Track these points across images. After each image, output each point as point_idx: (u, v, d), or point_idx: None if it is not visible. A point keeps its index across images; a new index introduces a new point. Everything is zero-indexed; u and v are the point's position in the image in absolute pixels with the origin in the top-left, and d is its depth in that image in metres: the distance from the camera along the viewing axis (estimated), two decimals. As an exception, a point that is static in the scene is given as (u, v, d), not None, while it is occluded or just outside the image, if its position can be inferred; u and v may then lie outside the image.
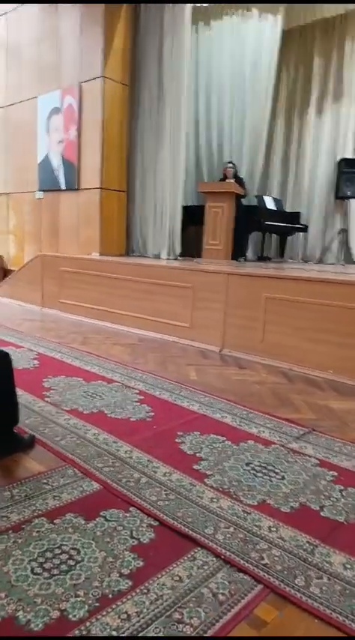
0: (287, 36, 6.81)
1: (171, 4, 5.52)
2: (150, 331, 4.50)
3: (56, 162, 6.24)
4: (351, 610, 1.20)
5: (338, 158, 6.64)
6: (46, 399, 2.64)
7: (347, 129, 6.62)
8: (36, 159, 6.52)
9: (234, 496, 1.72)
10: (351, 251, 6.91)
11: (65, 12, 5.89)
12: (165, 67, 5.64)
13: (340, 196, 6.60)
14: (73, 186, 6.02)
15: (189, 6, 5.50)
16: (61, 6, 5.92)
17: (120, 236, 6.14)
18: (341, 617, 1.17)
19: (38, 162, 6.50)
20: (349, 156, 6.63)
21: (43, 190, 6.52)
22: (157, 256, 5.99)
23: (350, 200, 6.76)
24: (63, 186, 6.18)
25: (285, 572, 1.33)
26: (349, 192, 6.47)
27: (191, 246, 6.16)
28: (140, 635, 1.09)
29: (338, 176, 6.55)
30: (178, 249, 5.91)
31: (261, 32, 6.17)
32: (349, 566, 1.37)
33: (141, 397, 2.75)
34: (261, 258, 6.64)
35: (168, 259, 5.77)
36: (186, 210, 6.09)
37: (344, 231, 6.71)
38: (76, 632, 1.09)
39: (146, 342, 4.23)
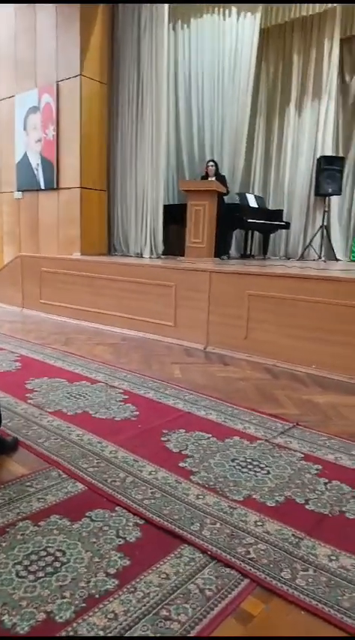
0: (266, 34, 6.87)
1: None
2: (134, 330, 4.49)
3: (35, 162, 6.17)
4: (336, 600, 1.21)
5: (318, 155, 6.71)
6: (29, 400, 2.61)
7: (326, 126, 6.70)
8: (14, 158, 6.44)
9: (220, 492, 1.73)
10: (333, 247, 7.00)
11: (41, 10, 5.83)
12: (144, 65, 5.63)
13: (320, 193, 6.67)
14: (53, 185, 5.96)
15: (166, 4, 5.49)
16: (37, 4, 5.85)
17: (101, 235, 6.11)
18: (327, 608, 1.18)
19: (16, 162, 6.42)
20: (328, 153, 6.71)
21: (22, 190, 6.44)
22: (139, 255, 5.98)
23: (331, 197, 6.85)
24: (42, 186, 6.11)
25: (271, 566, 1.34)
26: (330, 190, 6.55)
27: (174, 244, 6.16)
28: (128, 633, 1.08)
29: (318, 173, 6.62)
30: (160, 248, 5.91)
31: (240, 30, 6.20)
32: (334, 557, 1.38)
33: (126, 397, 2.74)
34: (244, 255, 6.68)
35: (150, 258, 5.76)
36: (168, 208, 6.09)
37: (326, 228, 6.79)
38: (63, 634, 1.08)
39: (130, 342, 4.22)
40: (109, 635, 1.08)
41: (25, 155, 6.29)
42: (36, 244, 6.37)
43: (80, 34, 5.41)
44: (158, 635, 1.09)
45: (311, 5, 6.21)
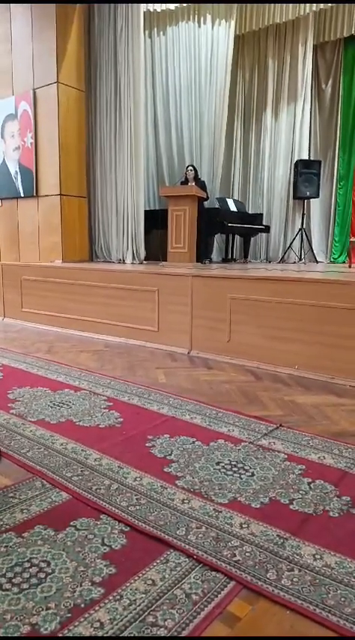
0: (241, 41, 6.97)
1: (124, 8, 5.54)
2: (118, 337, 4.48)
3: (13, 170, 6.13)
4: (321, 599, 1.22)
5: (295, 159, 6.82)
6: (12, 410, 2.58)
7: (302, 130, 6.82)
8: (-8, 166, 6.39)
9: (205, 496, 1.73)
10: (313, 249, 7.10)
11: (17, 16, 5.81)
12: (121, 71, 5.65)
13: (299, 197, 6.77)
14: (32, 193, 5.92)
15: (142, 10, 5.54)
16: (12, 10, 5.84)
17: (82, 242, 6.09)
18: (312, 607, 1.19)
19: (-5, 170, 6.37)
20: (305, 157, 6.82)
21: (1, 198, 6.39)
22: (121, 261, 5.97)
23: (309, 200, 6.96)
24: (21, 194, 6.07)
25: (257, 567, 1.34)
26: (307, 193, 6.66)
27: (156, 250, 6.18)
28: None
29: (295, 177, 6.73)
30: (142, 254, 5.91)
31: (215, 37, 6.29)
32: (318, 556, 1.40)
33: (110, 403, 2.73)
34: (226, 259, 6.73)
35: (132, 264, 5.76)
36: (149, 214, 6.10)
37: (305, 231, 6.89)
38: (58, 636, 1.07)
39: (113, 348, 4.20)
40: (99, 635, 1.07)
41: (4, 163, 6.25)
42: (16, 252, 6.32)
43: (56, 41, 5.42)
44: (145, 642, 1.08)
45: (284, 12, 6.33)
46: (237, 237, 7.07)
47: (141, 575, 1.30)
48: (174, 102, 6.55)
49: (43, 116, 5.70)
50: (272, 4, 6.28)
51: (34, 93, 5.70)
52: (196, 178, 5.99)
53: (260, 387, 3.14)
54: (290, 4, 6.16)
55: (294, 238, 6.87)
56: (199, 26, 6.29)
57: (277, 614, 1.19)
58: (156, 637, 1.09)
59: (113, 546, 1.43)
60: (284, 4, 6.20)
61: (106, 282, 4.59)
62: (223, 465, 1.98)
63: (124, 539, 1.46)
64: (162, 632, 1.11)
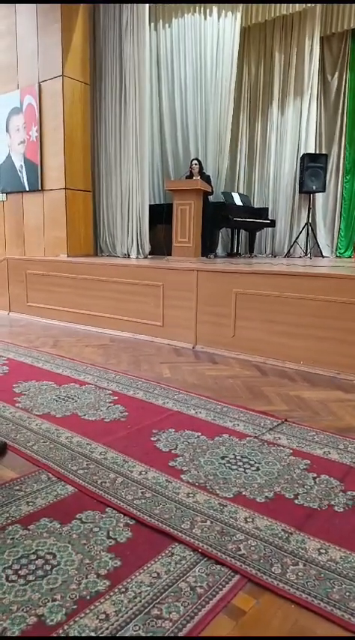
0: (247, 33, 6.91)
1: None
2: (123, 331, 4.48)
3: (19, 163, 6.12)
4: (326, 593, 1.22)
5: (301, 153, 6.76)
6: (17, 404, 2.59)
7: (309, 124, 6.76)
8: (-2, 160, 6.39)
9: (210, 490, 1.73)
10: (318, 244, 7.06)
11: (22, 10, 5.78)
12: (127, 64, 5.62)
13: (305, 191, 6.73)
14: (37, 187, 5.92)
15: (147, 3, 5.49)
16: (17, 4, 5.81)
17: (87, 236, 6.08)
18: (317, 601, 1.19)
19: None
20: (311, 150, 6.76)
21: (6, 192, 6.39)
22: (126, 255, 5.97)
23: (315, 194, 6.91)
24: (27, 188, 6.07)
25: (262, 561, 1.35)
26: (313, 187, 6.61)
27: (161, 244, 6.16)
28: (119, 633, 1.08)
29: (301, 171, 6.68)
30: (147, 248, 5.90)
31: (221, 30, 6.23)
32: (323, 551, 1.40)
33: (115, 397, 2.73)
34: (231, 254, 6.70)
35: (137, 258, 5.75)
36: (155, 208, 6.08)
37: (311, 225, 6.85)
38: (54, 636, 1.07)
39: (118, 343, 4.21)
40: (101, 635, 1.08)
41: (9, 157, 6.24)
42: (21, 246, 6.33)
43: (61, 35, 5.39)
44: (150, 634, 1.09)
45: (291, 4, 6.25)
46: (243, 232, 7.03)
47: (146, 568, 1.31)
48: (180, 95, 6.50)
49: (48, 110, 5.68)
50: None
51: (39, 86, 5.68)
52: (201, 172, 5.96)
53: (265, 382, 3.14)
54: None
55: (300, 233, 6.83)
56: (205, 18, 6.23)
57: (282, 608, 1.19)
58: (160, 637, 1.10)
59: (118, 539, 1.43)
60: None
61: (111, 277, 4.59)
62: (228, 459, 1.98)
63: (129, 533, 1.47)
64: (166, 625, 1.11)
